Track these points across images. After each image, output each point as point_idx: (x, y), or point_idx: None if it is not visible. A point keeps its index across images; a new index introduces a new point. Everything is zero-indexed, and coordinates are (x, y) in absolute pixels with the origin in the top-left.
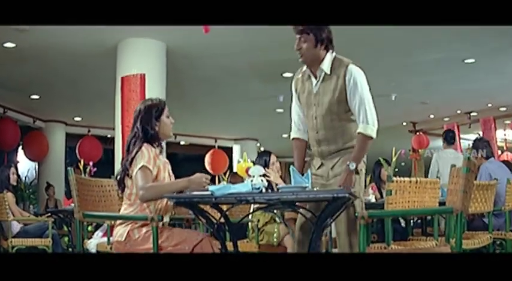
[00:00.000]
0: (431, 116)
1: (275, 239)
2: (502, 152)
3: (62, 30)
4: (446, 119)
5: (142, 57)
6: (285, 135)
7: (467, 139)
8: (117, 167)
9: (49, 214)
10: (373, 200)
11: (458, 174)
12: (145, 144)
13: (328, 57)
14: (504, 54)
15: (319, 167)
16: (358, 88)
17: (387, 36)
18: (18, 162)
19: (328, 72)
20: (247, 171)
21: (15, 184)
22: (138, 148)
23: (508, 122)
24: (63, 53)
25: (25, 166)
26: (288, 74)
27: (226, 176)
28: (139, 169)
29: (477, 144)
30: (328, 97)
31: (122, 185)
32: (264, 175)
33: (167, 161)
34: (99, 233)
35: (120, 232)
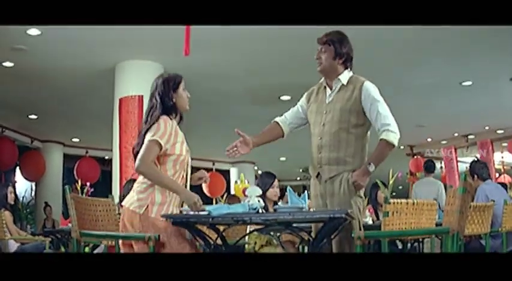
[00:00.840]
0: (429, 140)
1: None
2: (500, 175)
3: (61, 51)
4: (443, 142)
5: (140, 78)
6: (282, 159)
7: (464, 162)
8: (115, 188)
9: (46, 234)
10: (370, 222)
11: (455, 195)
12: (163, 116)
13: (346, 73)
14: (501, 76)
15: (318, 188)
16: (377, 99)
17: (382, 59)
18: (16, 182)
19: (345, 84)
20: (244, 191)
21: (12, 203)
22: (155, 119)
23: (505, 144)
24: (61, 74)
25: (22, 186)
26: (285, 97)
27: (224, 198)
28: (150, 140)
29: (474, 166)
30: (341, 104)
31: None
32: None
33: (183, 135)
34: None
35: (138, 203)
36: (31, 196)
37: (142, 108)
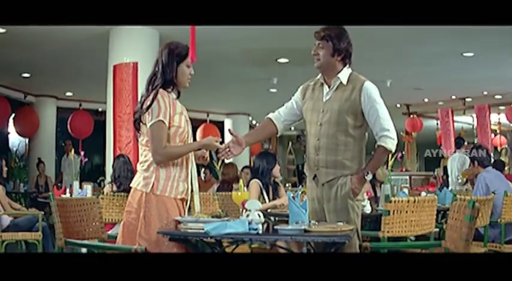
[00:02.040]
0: (426, 100)
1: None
2: (495, 136)
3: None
4: (440, 103)
5: (135, 45)
6: None
7: (460, 122)
8: (109, 159)
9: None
10: (369, 209)
11: (460, 210)
12: (161, 90)
13: (345, 71)
14: (503, 49)
15: (312, 179)
16: (377, 101)
17: (387, 29)
18: (9, 133)
19: (345, 83)
20: (243, 204)
21: (5, 176)
22: (154, 93)
23: (502, 107)
24: (54, 38)
25: (15, 140)
26: (283, 60)
27: (219, 166)
28: (156, 123)
29: (475, 151)
30: (339, 104)
31: (138, 126)
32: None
33: (183, 107)
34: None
35: (145, 181)
36: (24, 150)
37: (136, 76)
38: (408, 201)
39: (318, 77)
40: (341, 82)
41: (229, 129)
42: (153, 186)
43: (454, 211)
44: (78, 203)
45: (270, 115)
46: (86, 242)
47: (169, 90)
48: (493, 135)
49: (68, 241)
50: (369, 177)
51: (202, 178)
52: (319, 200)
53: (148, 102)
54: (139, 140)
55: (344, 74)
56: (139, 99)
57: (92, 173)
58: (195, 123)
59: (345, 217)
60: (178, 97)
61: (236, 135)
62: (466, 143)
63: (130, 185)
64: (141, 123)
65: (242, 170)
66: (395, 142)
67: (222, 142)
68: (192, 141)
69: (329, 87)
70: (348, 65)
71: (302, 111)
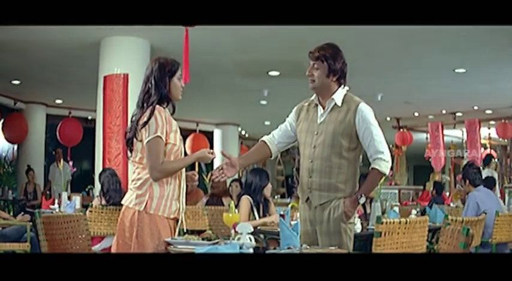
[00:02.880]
0: (416, 114)
1: None
2: (485, 150)
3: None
4: (430, 117)
5: (126, 55)
6: (267, 123)
7: (450, 135)
8: (97, 170)
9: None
10: (359, 228)
11: (453, 235)
12: (157, 106)
13: (340, 92)
14: (495, 65)
15: (305, 201)
16: (371, 123)
17: (379, 43)
18: None
19: (339, 104)
20: (234, 226)
21: None
22: (151, 110)
23: (493, 122)
24: (45, 45)
25: (4, 146)
26: (274, 73)
27: (208, 178)
28: (153, 139)
29: (467, 170)
30: (333, 126)
31: (130, 145)
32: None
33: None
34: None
35: (138, 200)
36: (12, 156)
37: (127, 87)
38: (400, 222)
39: (313, 97)
40: (336, 104)
41: (222, 151)
42: (146, 204)
43: (447, 236)
44: (64, 220)
45: (264, 138)
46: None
47: (165, 106)
48: (482, 149)
49: None
50: (362, 200)
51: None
52: (312, 222)
53: (145, 119)
54: (131, 157)
55: (339, 95)
56: (130, 118)
57: (80, 179)
58: (185, 133)
59: (338, 240)
60: (173, 113)
61: (230, 157)
62: (495, 160)
63: (122, 202)
64: (135, 140)
65: (231, 183)
66: (390, 164)
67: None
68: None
69: (323, 108)
70: (342, 85)
71: (296, 133)
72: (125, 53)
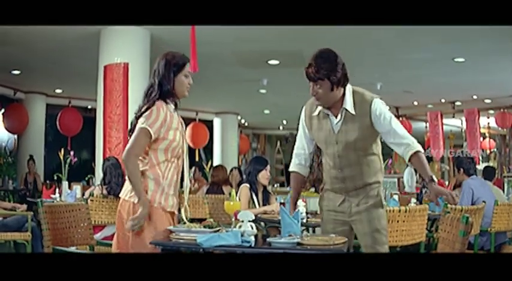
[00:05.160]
0: (415, 103)
1: None
2: (484, 139)
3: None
4: (430, 106)
5: (126, 45)
6: (266, 111)
7: (449, 125)
8: (98, 163)
9: (28, 204)
10: None
11: (452, 223)
12: (158, 102)
13: (348, 94)
14: (494, 54)
15: (340, 204)
16: (389, 121)
17: (378, 32)
18: None
19: (353, 112)
20: (235, 214)
21: None
22: (151, 102)
23: (492, 111)
24: (45, 36)
25: (4, 136)
26: (273, 62)
27: (208, 167)
28: (142, 128)
29: (461, 160)
30: (355, 135)
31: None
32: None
33: (181, 120)
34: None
35: (133, 192)
36: (14, 146)
37: (127, 77)
38: (400, 211)
39: (320, 108)
40: (348, 111)
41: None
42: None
43: (447, 224)
44: (67, 209)
45: (293, 168)
46: (73, 250)
47: (169, 101)
48: (481, 138)
49: (56, 249)
50: (435, 178)
51: (191, 177)
52: (346, 214)
53: (143, 110)
54: None
55: (349, 101)
56: (135, 111)
57: (80, 169)
58: (184, 122)
59: (377, 225)
60: (176, 108)
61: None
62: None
63: (120, 195)
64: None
65: (231, 171)
66: (416, 143)
67: (211, 141)
68: (187, 158)
69: (336, 116)
70: (347, 85)
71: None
72: (125, 43)
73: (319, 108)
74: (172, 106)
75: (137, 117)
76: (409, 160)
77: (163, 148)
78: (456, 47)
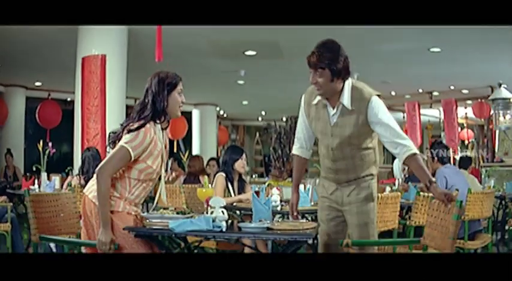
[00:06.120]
0: (393, 93)
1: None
2: (462, 130)
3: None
4: (407, 96)
5: (104, 37)
6: (245, 102)
7: (427, 115)
8: (77, 153)
9: (8, 195)
10: None
11: (439, 208)
12: (148, 124)
13: (346, 89)
14: (470, 45)
15: (333, 192)
16: (385, 120)
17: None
18: None
19: (350, 108)
20: (207, 201)
21: None
22: (142, 122)
23: (469, 102)
24: (23, 28)
25: None
26: (250, 52)
27: (186, 156)
28: (122, 146)
29: (436, 147)
30: (349, 131)
31: (111, 145)
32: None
33: (167, 139)
34: None
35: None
36: None
37: (104, 68)
38: None
39: (319, 98)
40: (345, 106)
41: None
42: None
43: (434, 209)
44: (53, 198)
45: (295, 151)
46: (59, 238)
47: (159, 121)
48: (459, 129)
49: (42, 237)
50: (436, 183)
51: (169, 169)
52: (338, 203)
53: (132, 127)
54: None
55: (346, 96)
56: (122, 122)
57: (60, 162)
58: None
59: (366, 218)
60: (166, 128)
61: (293, 204)
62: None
63: (84, 190)
64: (117, 142)
65: (208, 162)
66: (412, 145)
67: (189, 133)
68: (163, 182)
69: (333, 108)
70: (348, 78)
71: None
72: (103, 35)
73: (318, 97)
74: (159, 126)
75: (123, 129)
76: (404, 162)
77: (138, 168)
78: (431, 37)
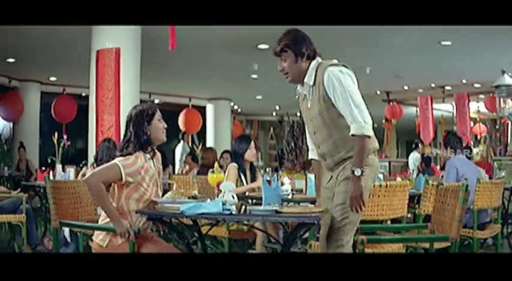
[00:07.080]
0: (406, 87)
1: (245, 225)
2: (474, 124)
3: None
4: (420, 90)
5: (118, 30)
6: (259, 97)
7: (440, 109)
8: (91, 142)
9: (24, 189)
10: None
11: (446, 194)
12: (137, 152)
13: (311, 67)
14: (481, 39)
15: (328, 181)
16: (339, 88)
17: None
18: None
19: (311, 84)
20: (218, 185)
21: None
22: (131, 152)
23: (482, 96)
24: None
25: (0, 124)
26: (263, 46)
27: (199, 148)
28: (115, 163)
29: (449, 138)
30: (317, 108)
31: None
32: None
33: (160, 167)
34: None
35: (102, 236)
36: (10, 134)
37: (119, 62)
38: (380, 186)
39: (298, 89)
40: (310, 85)
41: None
42: (110, 239)
43: (441, 195)
44: (72, 185)
45: (311, 156)
46: (80, 223)
47: (147, 151)
48: (472, 123)
49: (63, 222)
50: (358, 172)
51: (182, 163)
52: (331, 190)
53: (123, 154)
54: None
55: (310, 74)
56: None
57: (75, 157)
58: (178, 108)
59: (341, 199)
60: (153, 156)
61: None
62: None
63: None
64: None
65: (222, 154)
66: (369, 125)
67: (204, 127)
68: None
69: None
70: (315, 59)
71: None
72: (117, 28)
73: (298, 89)
74: (148, 156)
75: (117, 152)
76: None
77: (136, 197)
78: (442, 30)
